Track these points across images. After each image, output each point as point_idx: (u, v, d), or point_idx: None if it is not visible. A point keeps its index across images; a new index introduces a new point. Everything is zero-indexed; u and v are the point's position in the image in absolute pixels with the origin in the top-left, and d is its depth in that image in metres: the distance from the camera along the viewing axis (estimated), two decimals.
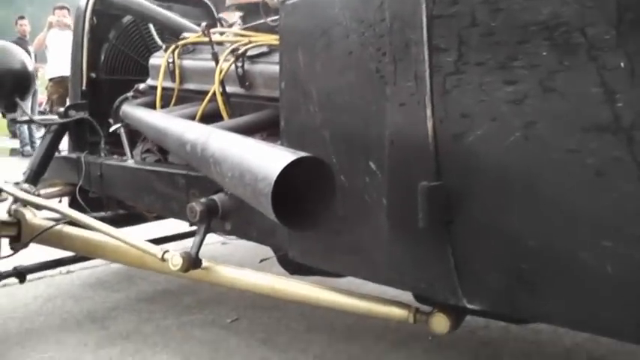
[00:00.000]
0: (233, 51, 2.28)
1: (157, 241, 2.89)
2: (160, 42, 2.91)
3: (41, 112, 12.13)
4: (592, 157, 1.12)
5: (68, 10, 10.59)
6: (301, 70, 1.72)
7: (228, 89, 2.30)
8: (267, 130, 2.21)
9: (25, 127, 10.76)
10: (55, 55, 10.32)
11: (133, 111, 2.48)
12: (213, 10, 3.32)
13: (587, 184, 1.14)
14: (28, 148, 10.95)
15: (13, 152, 11.74)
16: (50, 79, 10.34)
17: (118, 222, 2.84)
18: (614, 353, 2.14)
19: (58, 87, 10.14)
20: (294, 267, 2.08)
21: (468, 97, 1.27)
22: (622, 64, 1.05)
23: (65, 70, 9.57)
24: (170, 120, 2.12)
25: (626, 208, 1.10)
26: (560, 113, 1.14)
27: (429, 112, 1.33)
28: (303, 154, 1.43)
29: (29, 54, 11.03)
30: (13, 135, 14.04)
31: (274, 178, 1.37)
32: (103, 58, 3.00)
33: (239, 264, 2.75)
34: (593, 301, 1.22)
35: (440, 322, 1.63)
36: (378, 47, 1.45)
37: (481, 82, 1.24)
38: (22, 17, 11.98)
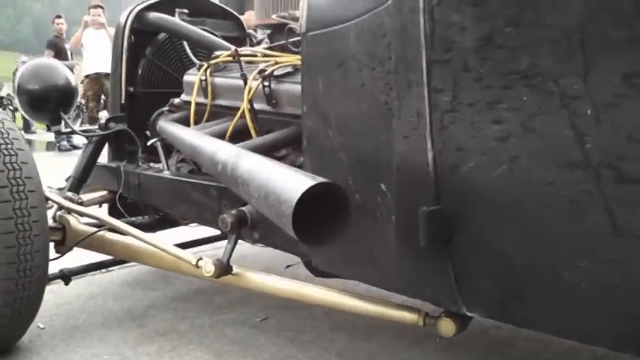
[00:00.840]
0: (261, 71, 2.47)
1: (191, 244, 3.12)
2: (194, 58, 3.08)
3: (77, 107, 12.43)
4: (566, 190, 1.29)
5: (103, 8, 10.88)
6: (320, 96, 1.90)
7: (256, 106, 2.49)
8: (292, 145, 2.39)
9: (63, 122, 11.04)
10: (90, 54, 10.63)
11: (169, 127, 2.67)
12: (244, 23, 3.50)
13: (563, 212, 1.31)
14: (65, 142, 11.21)
15: (49, 146, 12.03)
16: (86, 76, 10.63)
17: (154, 226, 3.06)
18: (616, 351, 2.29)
19: (93, 84, 10.47)
20: (319, 270, 2.26)
21: (462, 133, 1.44)
22: (589, 112, 1.22)
23: (99, 68, 9.96)
24: (203, 139, 2.30)
25: (595, 234, 1.27)
26: (539, 151, 1.31)
27: (429, 144, 1.50)
28: (320, 179, 1.60)
29: (66, 51, 11.36)
30: (48, 128, 14.37)
31: (295, 201, 1.54)
32: (140, 72, 3.20)
33: (267, 262, 2.97)
34: (573, 312, 1.39)
35: (446, 326, 1.80)
36: (387, 82, 1.62)
37: (473, 120, 1.41)
38: (59, 16, 12.29)
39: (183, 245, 3.04)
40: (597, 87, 1.20)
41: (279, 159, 2.35)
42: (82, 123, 12.95)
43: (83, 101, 11.58)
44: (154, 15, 3.17)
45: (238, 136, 2.48)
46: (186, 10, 3.25)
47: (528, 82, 1.30)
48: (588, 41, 1.20)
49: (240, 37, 3.45)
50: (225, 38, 3.19)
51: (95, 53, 10.25)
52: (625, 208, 1.22)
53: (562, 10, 1.24)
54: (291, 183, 1.62)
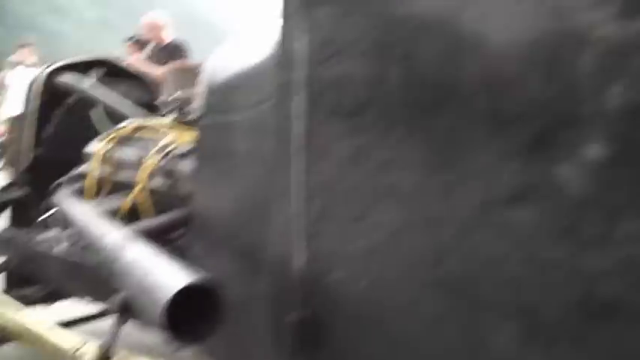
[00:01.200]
0: (162, 147, 2.44)
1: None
2: (103, 126, 3.04)
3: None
4: (428, 308, 1.28)
5: (33, 45, 10.68)
6: (210, 185, 1.88)
7: (156, 183, 2.45)
8: (188, 225, 2.35)
9: None
10: (14, 94, 10.31)
11: (64, 200, 2.61)
12: (154, 93, 3.47)
13: (424, 330, 1.30)
14: None
15: None
16: (8, 118, 10.38)
17: (56, 296, 2.96)
18: None
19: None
20: None
21: (332, 242, 1.43)
22: (449, 234, 1.22)
23: (17, 112, 9.67)
24: (92, 219, 2.23)
25: (453, 354, 1.26)
26: (404, 266, 1.31)
27: (301, 249, 1.49)
28: (194, 278, 1.54)
29: None
30: None
31: (165, 306, 1.48)
32: (48, 135, 3.13)
33: None
34: None
35: None
36: (267, 183, 1.61)
37: (344, 229, 1.40)
38: None
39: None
40: (456, 210, 1.20)
41: (174, 240, 2.31)
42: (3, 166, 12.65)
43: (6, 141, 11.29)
44: (66, 77, 3.13)
45: (135, 213, 2.44)
46: (103, 69, 3.22)
47: (397, 197, 1.30)
48: (448, 164, 1.21)
49: (153, 104, 3.42)
50: (138, 104, 3.17)
51: (19, 94, 10.01)
52: (478, 331, 1.21)
53: (427, 130, 1.24)
54: (165, 281, 1.57)
